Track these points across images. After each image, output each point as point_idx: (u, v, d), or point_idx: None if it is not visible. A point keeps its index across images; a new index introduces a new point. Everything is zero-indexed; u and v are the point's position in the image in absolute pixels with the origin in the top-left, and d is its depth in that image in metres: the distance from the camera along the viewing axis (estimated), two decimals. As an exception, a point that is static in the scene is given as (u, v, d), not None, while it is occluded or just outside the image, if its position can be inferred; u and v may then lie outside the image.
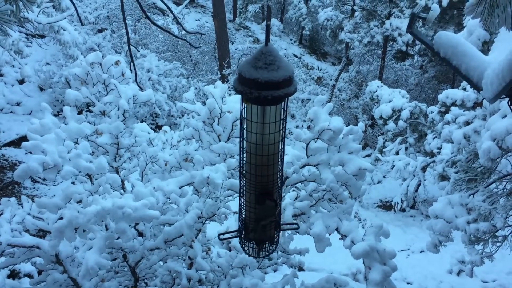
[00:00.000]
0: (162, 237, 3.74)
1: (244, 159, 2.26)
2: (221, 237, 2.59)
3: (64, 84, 12.22)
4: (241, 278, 3.88)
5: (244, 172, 2.30)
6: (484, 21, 1.47)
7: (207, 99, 3.75)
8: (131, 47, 4.53)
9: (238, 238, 2.59)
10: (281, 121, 2.12)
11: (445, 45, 1.91)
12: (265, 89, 1.89)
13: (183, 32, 14.41)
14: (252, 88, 1.90)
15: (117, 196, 3.28)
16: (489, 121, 4.77)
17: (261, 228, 2.39)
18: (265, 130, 2.08)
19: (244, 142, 2.19)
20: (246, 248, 2.53)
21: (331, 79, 20.05)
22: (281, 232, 2.66)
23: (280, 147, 2.22)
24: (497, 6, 1.41)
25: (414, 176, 11.94)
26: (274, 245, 2.55)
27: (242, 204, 2.42)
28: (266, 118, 2.05)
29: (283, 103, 2.06)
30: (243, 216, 2.46)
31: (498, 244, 5.26)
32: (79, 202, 3.29)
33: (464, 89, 9.82)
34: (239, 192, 2.40)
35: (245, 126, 2.14)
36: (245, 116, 2.11)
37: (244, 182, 2.33)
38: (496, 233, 5.19)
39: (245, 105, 2.08)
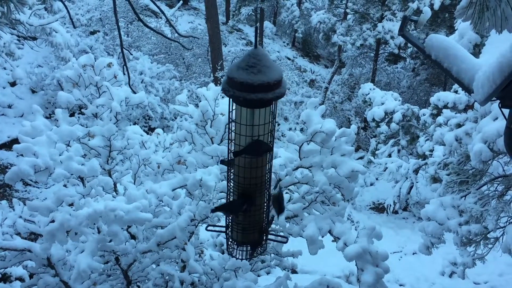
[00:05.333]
0: (155, 240, 3.73)
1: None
2: (209, 228, 2.60)
3: (56, 86, 12.16)
4: (234, 281, 3.87)
5: (231, 174, 2.30)
6: (475, 23, 1.48)
7: (200, 101, 3.75)
8: (124, 49, 4.52)
9: (226, 243, 2.58)
10: (270, 124, 2.12)
11: (437, 48, 1.92)
12: (252, 91, 1.89)
13: (176, 34, 14.38)
14: (240, 90, 1.90)
15: (109, 198, 3.26)
16: (480, 124, 4.79)
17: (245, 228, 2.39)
18: (254, 132, 2.08)
19: (233, 144, 2.19)
20: (234, 253, 2.52)
21: (324, 82, 20.10)
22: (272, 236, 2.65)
23: None
24: (487, 9, 1.41)
25: (407, 178, 11.99)
26: (261, 249, 2.54)
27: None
28: (255, 120, 2.05)
29: (271, 105, 2.07)
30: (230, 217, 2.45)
31: (489, 246, 5.28)
32: (71, 204, 3.27)
33: (456, 92, 9.88)
34: (227, 194, 2.40)
35: (233, 128, 2.14)
36: (234, 119, 2.11)
37: (232, 184, 2.33)
38: (488, 235, 5.22)
39: (234, 107, 2.08)
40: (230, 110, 2.10)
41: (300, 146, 3.13)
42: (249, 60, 1.90)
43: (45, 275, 3.95)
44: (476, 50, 5.40)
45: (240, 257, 2.51)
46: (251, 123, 2.05)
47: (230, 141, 2.20)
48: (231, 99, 2.04)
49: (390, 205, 12.49)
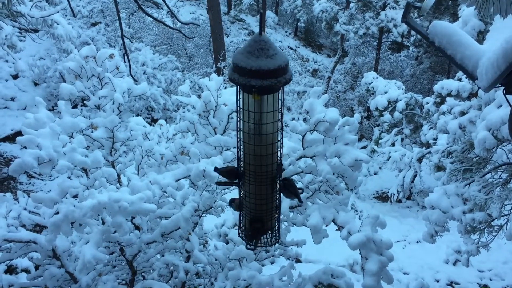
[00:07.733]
0: (159, 231, 3.74)
1: (242, 149, 2.25)
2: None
3: (58, 78, 12.15)
4: (239, 271, 3.89)
5: (241, 162, 2.30)
6: (479, 9, 1.46)
7: (203, 92, 3.74)
8: (125, 39, 4.51)
9: (238, 232, 2.58)
10: (278, 111, 2.11)
11: (440, 34, 1.90)
12: (260, 77, 1.88)
13: (178, 25, 14.32)
14: (247, 76, 1.89)
15: (113, 190, 3.27)
16: (484, 111, 4.77)
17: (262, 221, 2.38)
18: (263, 120, 2.07)
19: (241, 132, 2.18)
20: (247, 241, 2.52)
21: (326, 71, 20.00)
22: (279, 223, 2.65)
23: (277, 138, 2.21)
24: (492, -6, 1.40)
25: (410, 167, 11.97)
26: (276, 236, 2.54)
27: (242, 195, 2.41)
28: (263, 107, 2.04)
29: (279, 92, 2.05)
30: (243, 207, 2.45)
31: (493, 233, 5.28)
32: (75, 196, 3.28)
33: (460, 80, 9.83)
34: (238, 182, 2.39)
35: (241, 117, 2.13)
36: (241, 107, 2.09)
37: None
38: (492, 223, 5.21)
39: (241, 95, 2.07)
40: (238, 98, 2.08)
41: (303, 135, 3.12)
42: (255, 46, 1.89)
43: (50, 267, 3.98)
44: (480, 37, 5.36)
45: (256, 245, 2.51)
46: (259, 110, 2.04)
47: (238, 130, 2.20)
48: (238, 87, 2.02)
49: (394, 194, 12.50)
